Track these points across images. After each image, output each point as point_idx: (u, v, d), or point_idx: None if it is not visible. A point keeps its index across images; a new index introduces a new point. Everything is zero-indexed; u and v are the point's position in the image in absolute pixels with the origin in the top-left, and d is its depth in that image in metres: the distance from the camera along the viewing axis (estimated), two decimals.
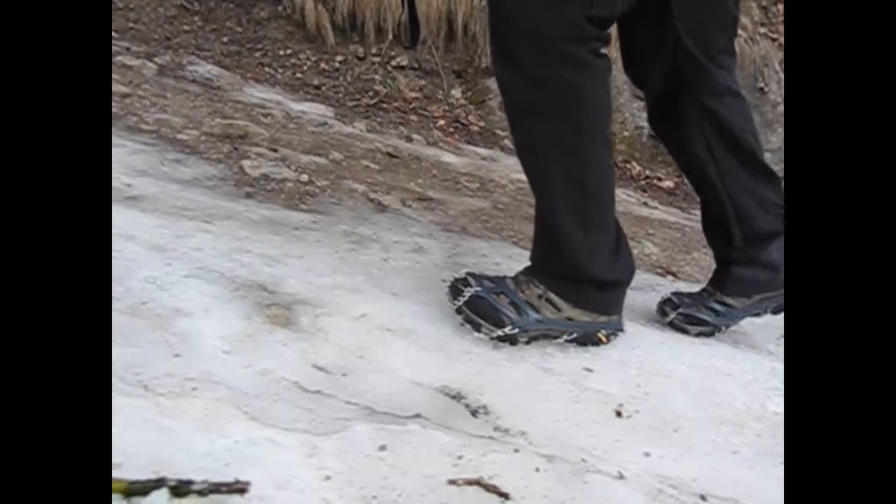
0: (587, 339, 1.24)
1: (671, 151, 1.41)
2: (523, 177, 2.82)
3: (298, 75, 3.51)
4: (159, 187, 1.53)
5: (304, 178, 1.90)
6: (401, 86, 3.56)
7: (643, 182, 3.47)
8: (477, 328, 1.18)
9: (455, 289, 1.21)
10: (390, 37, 3.62)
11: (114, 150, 1.69)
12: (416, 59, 3.66)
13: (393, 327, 1.16)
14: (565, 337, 1.22)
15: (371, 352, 1.07)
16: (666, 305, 1.42)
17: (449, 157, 2.89)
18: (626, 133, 3.55)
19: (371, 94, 3.48)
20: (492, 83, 3.52)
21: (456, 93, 3.63)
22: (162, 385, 0.82)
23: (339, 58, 3.63)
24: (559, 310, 1.20)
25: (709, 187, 1.34)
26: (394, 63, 3.64)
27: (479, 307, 1.17)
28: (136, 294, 1.03)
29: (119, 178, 1.50)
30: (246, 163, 1.85)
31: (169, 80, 2.87)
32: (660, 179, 3.57)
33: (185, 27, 3.62)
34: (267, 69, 3.47)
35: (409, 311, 1.22)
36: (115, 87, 2.43)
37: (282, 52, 3.60)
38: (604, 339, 1.26)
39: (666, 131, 1.38)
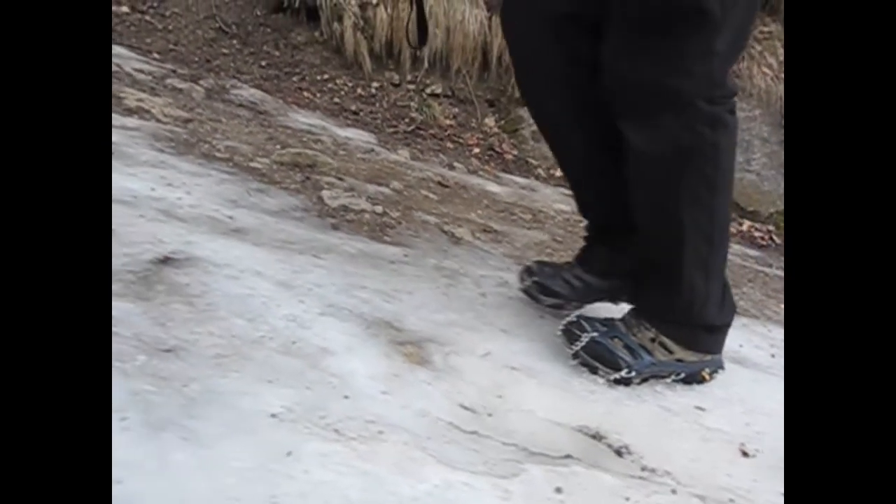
0: (692, 378, 1.28)
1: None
2: (566, 207, 2.86)
3: (336, 100, 3.55)
4: (255, 218, 1.56)
5: (379, 209, 1.93)
6: (436, 113, 3.61)
7: None
8: (594, 371, 1.22)
9: (570, 333, 1.25)
10: (426, 65, 3.69)
11: (201, 179, 1.72)
12: (451, 88, 3.72)
13: (515, 365, 1.19)
14: (673, 377, 1.27)
15: (506, 391, 1.10)
16: (525, 273, 1.42)
17: (492, 187, 2.93)
18: None
19: (407, 120, 3.53)
20: (524, 112, 3.59)
21: (489, 121, 3.69)
22: (349, 428, 0.84)
23: (375, 84, 3.69)
24: (671, 352, 1.24)
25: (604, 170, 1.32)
26: (428, 91, 3.70)
27: (597, 351, 1.21)
28: (282, 333, 1.06)
29: (219, 210, 1.53)
30: (325, 193, 1.88)
31: (219, 104, 2.90)
32: None
33: (224, 50, 3.66)
34: (306, 94, 3.52)
35: (522, 349, 1.26)
36: (175, 112, 2.46)
37: (319, 78, 3.65)
38: (707, 376, 1.30)
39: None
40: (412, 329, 1.21)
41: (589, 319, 1.27)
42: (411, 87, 3.72)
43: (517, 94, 3.68)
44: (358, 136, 3.07)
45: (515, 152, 3.59)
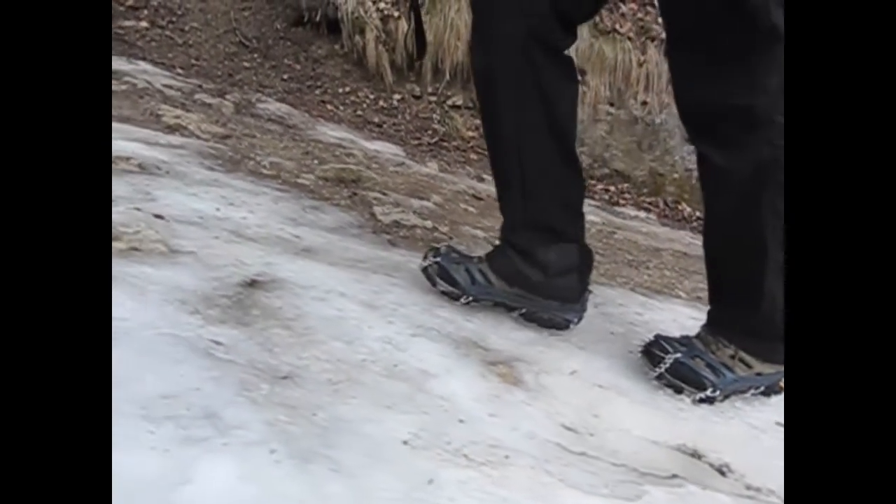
0: (771, 390, 1.29)
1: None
2: (597, 219, 2.86)
3: (359, 113, 3.56)
4: (319, 237, 1.56)
5: (428, 224, 1.94)
6: (458, 125, 3.63)
7: (695, 223, 3.56)
8: (678, 391, 1.22)
9: (653, 355, 1.25)
10: (447, 77, 3.70)
11: (258, 198, 1.72)
12: (471, 99, 3.73)
13: (602, 383, 1.19)
14: (753, 391, 1.27)
15: (600, 410, 1.10)
16: (430, 252, 1.37)
17: None
18: (675, 175, 3.65)
19: (430, 132, 3.55)
20: None
21: None
22: (476, 454, 0.85)
23: (396, 96, 3.70)
24: (750, 367, 1.24)
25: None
26: (450, 102, 3.71)
27: (682, 373, 1.21)
28: (381, 355, 1.06)
29: (284, 229, 1.53)
30: (377, 210, 1.89)
31: (249, 119, 2.90)
32: None
33: (246, 64, 3.67)
34: (329, 106, 3.52)
35: (605, 366, 1.26)
36: (211, 128, 2.46)
37: (341, 90, 3.66)
38: (783, 387, 1.30)
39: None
40: (498, 348, 1.21)
41: (668, 340, 1.27)
42: (432, 98, 3.74)
43: None
44: (386, 149, 3.08)
45: None
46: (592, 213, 2.97)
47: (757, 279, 1.20)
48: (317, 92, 3.61)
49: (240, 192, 1.71)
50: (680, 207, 3.55)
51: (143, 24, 3.86)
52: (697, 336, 1.29)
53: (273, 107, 3.23)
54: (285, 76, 3.65)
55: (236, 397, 0.81)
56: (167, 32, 3.82)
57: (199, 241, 1.28)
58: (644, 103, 3.52)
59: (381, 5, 3.55)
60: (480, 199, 2.64)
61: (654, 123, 3.50)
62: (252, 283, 1.17)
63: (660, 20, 4.03)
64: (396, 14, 3.62)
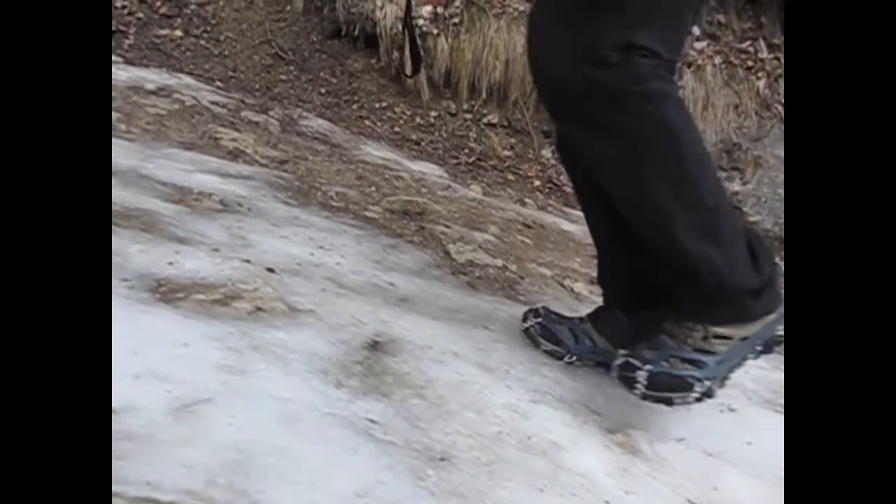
0: (770, 347, 1.19)
1: None
2: None
3: (396, 129, 3.57)
4: (408, 282, 1.58)
5: (498, 262, 1.96)
6: (494, 144, 3.64)
7: None
8: (669, 403, 1.16)
9: (626, 378, 1.17)
10: (483, 95, 3.71)
11: (341, 238, 1.73)
12: (507, 118, 3.75)
13: (710, 451, 1.22)
14: (751, 357, 1.18)
15: (717, 483, 1.13)
16: (530, 313, 1.38)
17: (566, 225, 2.97)
18: None
19: (467, 151, 3.56)
20: None
21: (546, 153, 3.73)
22: None
23: (433, 113, 3.71)
24: (729, 338, 1.14)
25: None
26: (485, 121, 3.73)
27: (662, 382, 1.14)
28: (511, 426, 1.08)
29: (378, 276, 1.54)
30: (451, 248, 1.91)
31: (296, 138, 2.91)
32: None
33: (282, 77, 3.67)
34: (367, 122, 3.53)
35: (700, 429, 1.28)
36: (267, 151, 2.47)
37: (377, 105, 3.67)
38: (782, 333, 1.17)
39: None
40: (608, 414, 1.23)
41: (635, 355, 1.18)
42: (468, 116, 3.75)
43: None
44: (430, 171, 3.10)
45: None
46: None
47: (679, 250, 1.11)
48: (354, 107, 3.61)
49: (323, 232, 1.73)
50: None
51: (178, 32, 3.85)
52: (664, 332, 1.19)
53: (315, 123, 3.23)
54: (322, 90, 3.65)
55: (415, 489, 0.83)
56: (202, 42, 3.81)
57: (312, 297, 1.30)
58: None
59: (420, 22, 3.56)
60: (530, 226, 2.66)
61: None
62: (375, 345, 1.19)
63: (695, 44, 4.06)
64: (435, 31, 3.63)
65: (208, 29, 3.87)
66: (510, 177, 3.48)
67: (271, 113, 3.14)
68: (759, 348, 1.17)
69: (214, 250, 1.37)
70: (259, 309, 1.18)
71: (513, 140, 3.74)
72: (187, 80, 3.23)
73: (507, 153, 3.64)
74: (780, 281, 1.15)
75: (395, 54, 3.66)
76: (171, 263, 1.23)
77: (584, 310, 1.72)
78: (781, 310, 1.16)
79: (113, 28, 3.67)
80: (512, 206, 2.98)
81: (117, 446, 0.71)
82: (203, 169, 1.97)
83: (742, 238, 1.14)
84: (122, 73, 2.92)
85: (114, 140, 2.05)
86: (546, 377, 1.29)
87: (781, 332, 1.17)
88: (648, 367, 1.14)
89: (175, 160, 1.99)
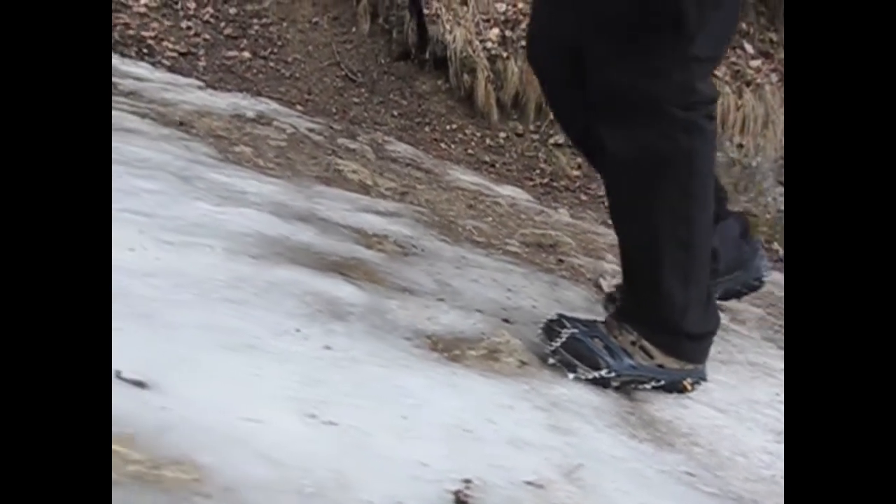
0: (673, 387, 1.27)
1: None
2: None
3: (469, 151, 3.65)
4: None
5: None
6: (563, 164, 3.74)
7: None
8: (572, 369, 1.21)
9: (550, 330, 1.24)
10: (550, 116, 3.81)
11: (514, 277, 1.81)
12: None
13: None
14: (654, 383, 1.25)
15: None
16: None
17: None
18: (768, 216, 3.82)
19: (538, 171, 3.66)
20: None
21: None
22: None
23: (501, 134, 3.80)
24: (651, 357, 1.23)
25: None
26: (552, 141, 3.82)
27: (577, 349, 1.20)
28: (777, 467, 1.17)
29: None
30: (603, 283, 2.00)
31: (393, 165, 2.98)
32: None
33: (355, 99, 3.73)
34: (441, 144, 3.61)
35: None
36: (382, 181, 2.54)
37: (448, 127, 3.75)
38: (689, 387, 1.29)
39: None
40: None
41: (570, 318, 1.26)
42: (535, 136, 3.84)
43: None
44: (517, 195, 3.19)
45: None
46: None
47: (653, 274, 1.19)
48: (426, 129, 3.69)
49: (496, 273, 1.80)
50: (774, 247, 3.72)
51: (246, 53, 3.89)
52: (604, 321, 1.28)
53: (400, 148, 3.30)
54: (395, 112, 3.72)
55: None
56: (271, 63, 3.86)
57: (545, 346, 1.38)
58: (740, 146, 3.67)
59: (489, 44, 3.64)
60: None
61: (749, 166, 3.66)
62: (629, 394, 1.27)
63: (751, 62, 4.19)
64: (505, 54, 3.71)
65: (275, 50, 3.92)
66: (583, 196, 3.58)
67: (359, 138, 3.20)
68: (663, 382, 1.25)
69: (440, 300, 1.45)
70: (523, 363, 1.26)
71: (579, 159, 3.84)
72: (274, 105, 3.28)
73: (575, 173, 3.74)
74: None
75: (466, 77, 3.74)
76: (429, 319, 1.30)
77: (738, 341, 1.81)
78: (702, 367, 1.28)
79: (184, 50, 3.71)
80: (599, 228, 3.07)
81: None
82: (358, 207, 2.04)
83: (705, 287, 1.24)
84: (219, 101, 2.96)
85: (249, 171, 2.10)
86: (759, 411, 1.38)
87: (688, 386, 1.27)
88: (575, 331, 1.22)
89: (329, 198, 2.05)
